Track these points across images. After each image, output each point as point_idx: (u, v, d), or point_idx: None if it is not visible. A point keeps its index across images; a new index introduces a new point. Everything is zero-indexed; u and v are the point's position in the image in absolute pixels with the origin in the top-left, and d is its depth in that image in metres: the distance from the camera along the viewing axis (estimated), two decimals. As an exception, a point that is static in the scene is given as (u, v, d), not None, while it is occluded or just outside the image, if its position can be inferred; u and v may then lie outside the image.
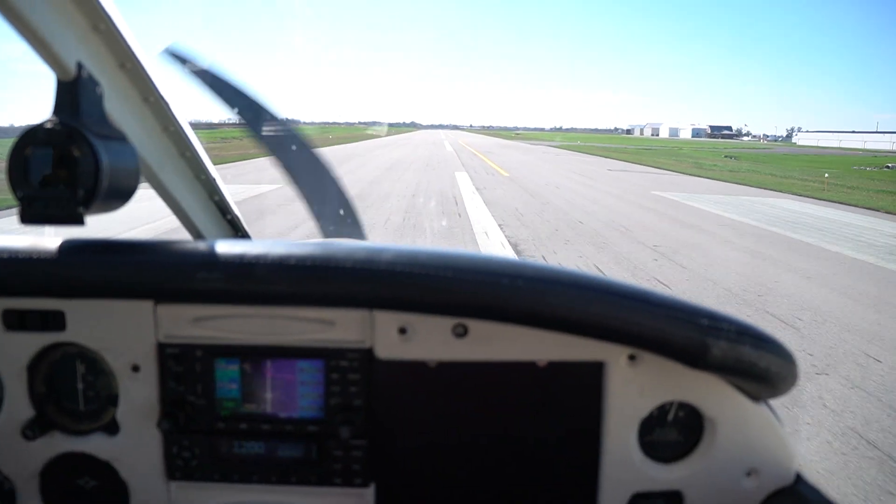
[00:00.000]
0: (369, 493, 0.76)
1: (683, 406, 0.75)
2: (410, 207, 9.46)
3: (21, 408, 0.73)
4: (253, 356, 0.73)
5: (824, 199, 13.02)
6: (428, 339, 0.72)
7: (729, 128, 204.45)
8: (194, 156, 0.93)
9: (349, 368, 0.73)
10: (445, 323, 0.71)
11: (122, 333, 0.72)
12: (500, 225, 7.98)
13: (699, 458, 0.75)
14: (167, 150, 0.89)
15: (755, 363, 0.66)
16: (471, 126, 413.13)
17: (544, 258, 6.06)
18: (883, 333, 4.09)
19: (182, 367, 0.73)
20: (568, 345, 0.71)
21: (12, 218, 0.70)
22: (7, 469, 0.75)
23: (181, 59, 1.06)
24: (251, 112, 1.19)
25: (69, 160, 0.61)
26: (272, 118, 1.22)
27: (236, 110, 1.16)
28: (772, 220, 9.41)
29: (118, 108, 0.74)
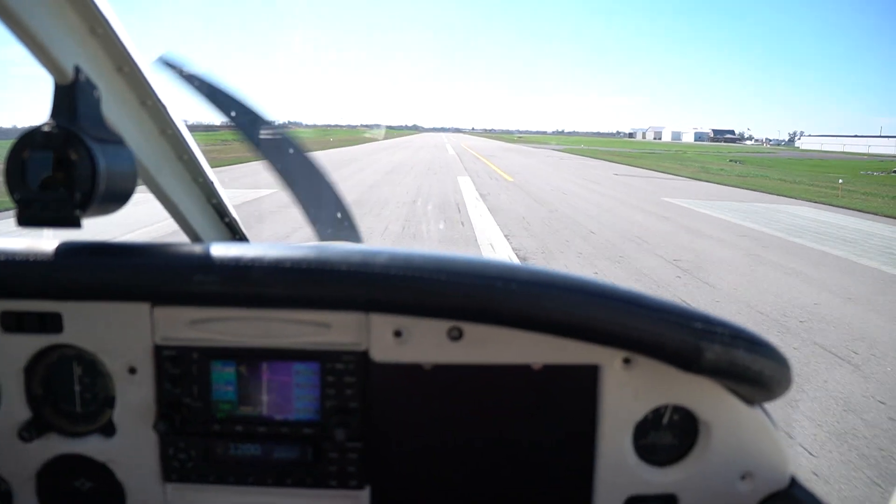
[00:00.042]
0: (365, 495, 0.76)
1: (678, 409, 0.75)
2: (410, 215, 8.94)
3: (18, 409, 0.73)
4: (249, 358, 0.73)
5: (841, 206, 12.56)
6: (423, 342, 0.72)
7: (732, 131, 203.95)
8: (192, 159, 0.93)
9: (345, 371, 0.73)
10: (441, 326, 0.72)
11: (118, 336, 0.72)
12: (506, 235, 7.47)
13: (694, 462, 0.76)
14: (165, 153, 0.89)
15: (749, 367, 0.66)
16: (472, 129, 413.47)
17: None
18: (951, 369, 3.55)
19: (178, 369, 0.73)
20: (563, 348, 0.71)
21: (9, 220, 0.66)
22: (4, 471, 0.75)
23: (174, 68, 1.07)
24: (244, 117, 1.20)
25: (66, 163, 0.61)
26: (265, 123, 1.22)
27: (230, 116, 1.17)
28: (793, 229, 8.88)
29: (116, 111, 0.74)
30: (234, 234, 1.13)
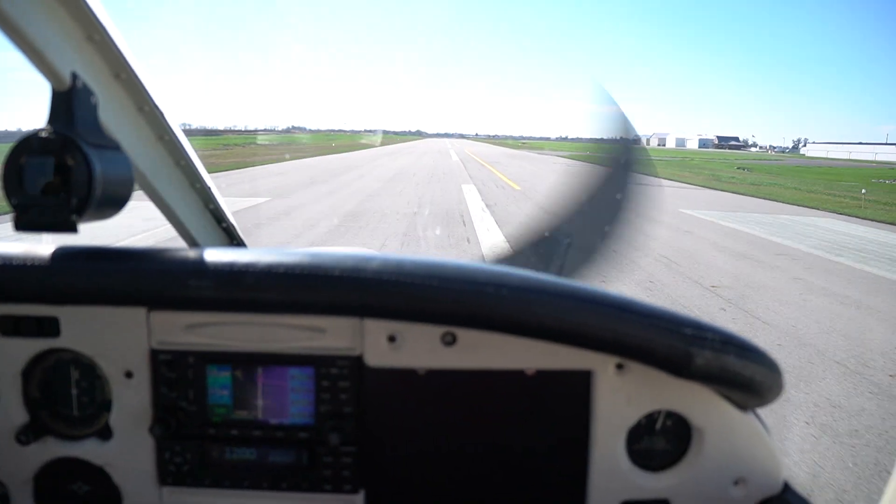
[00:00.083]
0: (359, 499, 0.76)
1: (671, 415, 0.75)
2: (410, 229, 8.17)
3: (15, 413, 0.74)
4: (244, 363, 0.73)
5: (868, 218, 11.79)
6: (417, 347, 0.73)
7: (736, 138, 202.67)
8: (189, 164, 0.94)
9: (339, 376, 0.73)
10: (434, 331, 0.72)
11: (115, 340, 0.73)
12: (517, 253, 6.68)
13: (687, 467, 0.76)
14: (162, 158, 0.89)
15: (740, 372, 0.66)
16: (476, 135, 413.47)
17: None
18: None
19: (174, 373, 0.73)
20: (556, 353, 0.72)
21: (7, 225, 0.65)
22: (1, 474, 0.75)
23: None
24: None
25: (63, 169, 0.61)
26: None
27: None
28: (830, 246, 8.08)
29: (113, 117, 0.74)
30: (232, 239, 1.12)
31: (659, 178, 21.59)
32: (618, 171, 1.10)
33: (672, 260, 6.67)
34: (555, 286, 0.62)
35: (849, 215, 12.33)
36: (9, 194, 0.61)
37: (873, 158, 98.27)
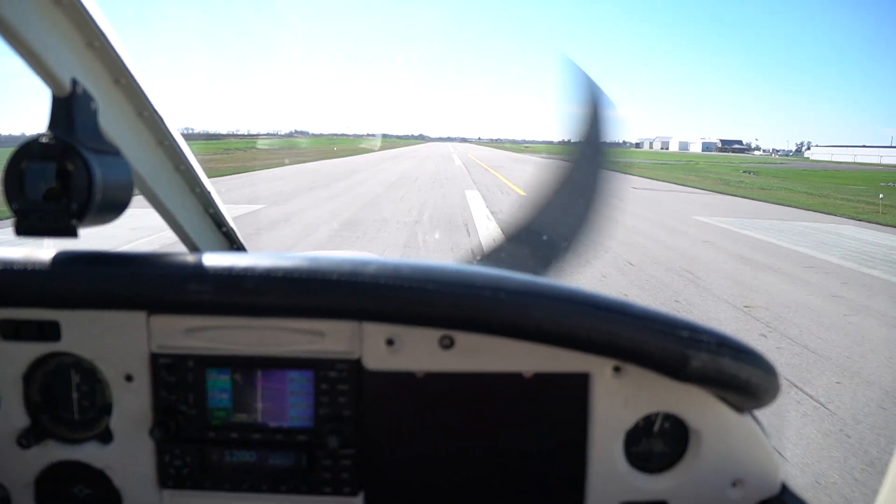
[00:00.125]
0: (358, 501, 0.76)
1: (669, 417, 0.76)
2: (411, 239, 7.68)
3: (16, 416, 0.74)
4: (244, 366, 0.73)
5: (889, 225, 11.26)
6: (415, 351, 0.73)
7: (740, 142, 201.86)
8: (189, 169, 0.94)
9: (338, 379, 0.73)
10: (432, 334, 0.72)
11: (115, 344, 0.73)
12: (527, 267, 6.19)
13: (685, 469, 0.76)
14: (162, 163, 0.90)
15: (736, 374, 0.66)
16: (479, 139, 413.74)
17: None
18: None
19: (174, 376, 0.73)
20: (553, 356, 0.72)
21: (8, 230, 0.65)
22: (2, 477, 0.76)
23: None
24: None
25: (63, 174, 0.62)
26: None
27: None
28: (860, 257, 7.56)
29: (113, 123, 0.75)
30: (232, 243, 1.13)
31: (666, 182, 21.01)
32: (587, 170, 1.15)
33: (696, 275, 6.15)
34: (552, 289, 0.63)
35: (867, 221, 11.84)
36: (10, 199, 0.62)
37: (879, 161, 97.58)
